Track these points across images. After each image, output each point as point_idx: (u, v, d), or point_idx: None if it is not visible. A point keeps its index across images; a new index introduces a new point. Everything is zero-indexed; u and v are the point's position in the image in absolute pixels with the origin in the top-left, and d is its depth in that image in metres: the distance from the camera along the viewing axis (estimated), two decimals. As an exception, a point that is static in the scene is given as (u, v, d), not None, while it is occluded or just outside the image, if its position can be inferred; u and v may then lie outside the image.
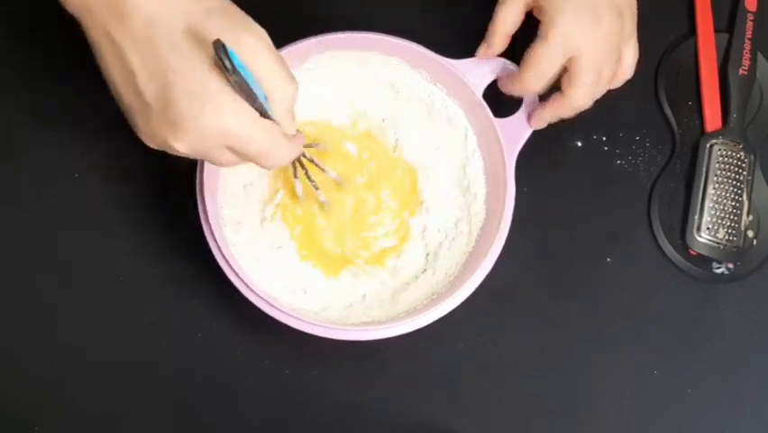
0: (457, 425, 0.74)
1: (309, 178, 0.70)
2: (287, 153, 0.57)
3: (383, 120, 0.76)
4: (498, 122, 0.71)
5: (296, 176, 0.70)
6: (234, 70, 0.51)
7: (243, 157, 0.56)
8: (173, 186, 0.74)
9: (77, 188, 0.76)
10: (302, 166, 0.69)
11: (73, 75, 0.77)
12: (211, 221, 0.67)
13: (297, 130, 0.60)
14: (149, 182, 0.76)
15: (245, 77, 0.52)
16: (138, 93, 0.53)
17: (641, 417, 0.75)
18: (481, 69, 0.72)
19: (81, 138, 0.77)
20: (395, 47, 0.72)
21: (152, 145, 0.56)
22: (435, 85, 0.74)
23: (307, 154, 0.69)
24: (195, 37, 0.52)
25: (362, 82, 0.75)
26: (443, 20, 0.82)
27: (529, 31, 0.70)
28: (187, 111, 0.52)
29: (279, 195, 0.73)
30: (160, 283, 0.75)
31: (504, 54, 0.72)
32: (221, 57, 0.50)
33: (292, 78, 0.56)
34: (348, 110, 0.76)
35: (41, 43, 0.78)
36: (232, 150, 0.55)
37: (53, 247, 0.75)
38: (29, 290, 0.74)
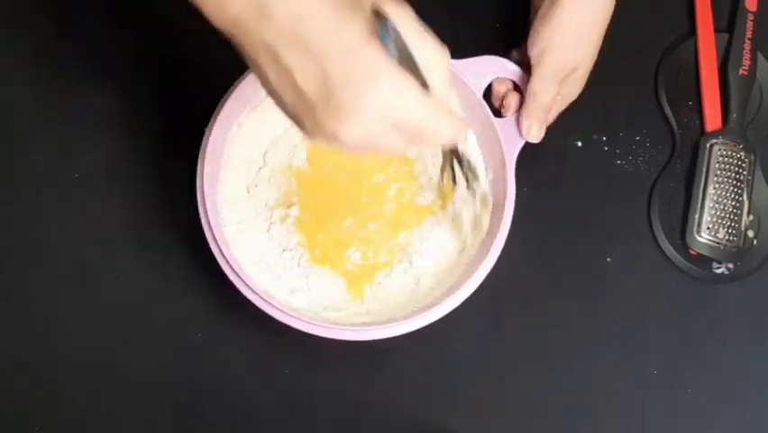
0: (457, 425, 0.74)
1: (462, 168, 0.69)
2: (453, 128, 0.54)
3: None
4: (498, 122, 0.71)
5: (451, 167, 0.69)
6: (398, 36, 0.49)
7: (411, 134, 0.53)
8: (173, 185, 0.74)
9: (77, 188, 0.76)
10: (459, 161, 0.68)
11: (73, 75, 0.78)
12: (211, 221, 0.67)
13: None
14: (149, 182, 0.76)
15: (404, 48, 0.50)
16: (299, 92, 0.51)
17: (641, 416, 0.75)
18: (481, 69, 0.72)
19: (81, 138, 0.77)
20: None
21: (323, 143, 0.54)
22: None
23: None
24: (343, 16, 0.50)
25: None
26: (443, 20, 0.81)
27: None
28: (348, 93, 0.50)
29: (294, 209, 0.73)
30: (160, 283, 0.75)
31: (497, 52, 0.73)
32: (381, 23, 0.48)
33: (443, 46, 0.54)
34: None
35: (41, 43, 0.78)
36: (398, 128, 0.52)
37: (53, 247, 0.75)
38: (29, 290, 0.74)
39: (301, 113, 0.53)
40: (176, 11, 0.71)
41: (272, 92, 0.53)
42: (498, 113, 0.73)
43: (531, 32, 0.70)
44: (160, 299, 0.75)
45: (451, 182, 0.70)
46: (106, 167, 0.76)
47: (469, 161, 0.69)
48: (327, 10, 0.50)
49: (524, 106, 0.71)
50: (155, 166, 0.76)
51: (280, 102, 0.53)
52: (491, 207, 0.72)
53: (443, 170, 0.70)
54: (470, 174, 0.70)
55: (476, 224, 0.72)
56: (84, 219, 0.75)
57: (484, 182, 0.72)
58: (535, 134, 0.71)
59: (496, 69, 0.72)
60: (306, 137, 0.54)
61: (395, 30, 0.50)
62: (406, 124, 0.52)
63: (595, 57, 0.70)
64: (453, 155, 0.68)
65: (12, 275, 0.75)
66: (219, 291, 0.71)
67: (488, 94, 0.73)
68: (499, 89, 0.73)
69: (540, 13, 0.69)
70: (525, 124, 0.71)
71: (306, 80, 0.51)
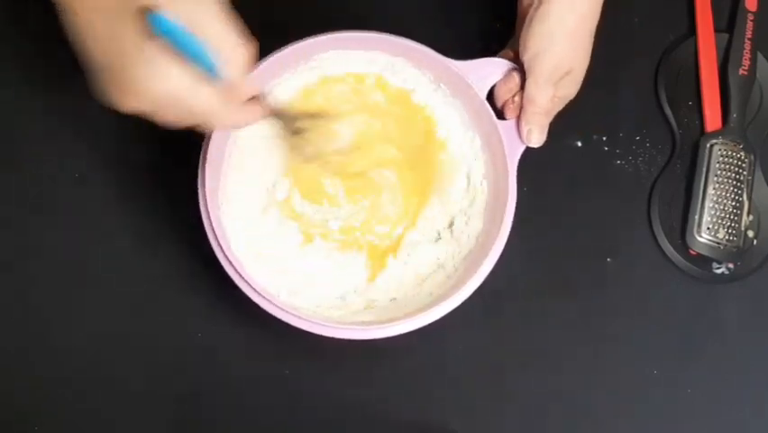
0: (457, 425, 0.74)
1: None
2: (235, 115, 0.59)
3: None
4: (501, 124, 0.71)
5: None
6: (162, 35, 0.53)
7: (197, 119, 0.58)
8: (173, 185, 0.74)
9: (78, 188, 0.76)
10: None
11: (74, 74, 0.77)
12: (212, 219, 0.66)
13: (260, 98, 0.62)
14: (149, 182, 0.76)
15: (184, 41, 0.54)
16: (88, 53, 0.56)
17: (641, 417, 0.75)
18: (485, 71, 0.72)
19: (81, 138, 0.77)
20: (399, 47, 0.72)
21: (103, 102, 0.57)
22: (439, 86, 0.74)
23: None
24: (136, 6, 0.54)
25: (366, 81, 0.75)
26: (448, 21, 0.81)
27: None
28: (129, 73, 0.54)
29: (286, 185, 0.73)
30: (159, 283, 0.75)
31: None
32: (148, 23, 0.53)
33: (244, 40, 0.57)
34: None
35: (41, 44, 0.78)
36: (184, 111, 0.57)
37: (53, 247, 0.75)
38: (29, 290, 0.74)
39: (90, 68, 0.57)
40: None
41: (74, 35, 0.57)
42: (501, 115, 0.72)
43: (521, 37, 0.69)
44: (160, 298, 0.75)
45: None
46: (106, 167, 0.76)
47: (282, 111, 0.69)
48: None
49: (522, 111, 0.71)
50: (156, 165, 0.76)
51: (75, 46, 0.57)
52: None
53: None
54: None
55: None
56: (83, 219, 0.75)
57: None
58: (536, 139, 0.71)
59: (499, 71, 0.72)
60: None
61: (159, 27, 0.53)
62: (185, 109, 0.57)
63: (588, 57, 0.70)
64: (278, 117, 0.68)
65: (11, 275, 0.74)
66: (219, 291, 0.71)
67: (491, 95, 0.73)
68: (502, 91, 0.73)
69: (528, 16, 0.69)
70: (524, 129, 0.71)
71: (95, 47, 0.56)
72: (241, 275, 0.66)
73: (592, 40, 0.70)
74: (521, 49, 0.70)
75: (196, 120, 0.58)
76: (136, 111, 0.56)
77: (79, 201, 0.76)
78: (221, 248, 0.66)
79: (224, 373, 0.74)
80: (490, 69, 0.72)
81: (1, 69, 0.78)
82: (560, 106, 0.72)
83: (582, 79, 0.71)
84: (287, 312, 0.66)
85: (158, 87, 0.55)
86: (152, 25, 0.53)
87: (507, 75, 0.72)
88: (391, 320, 0.67)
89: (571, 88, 0.71)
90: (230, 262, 0.66)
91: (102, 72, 0.56)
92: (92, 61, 0.56)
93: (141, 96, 0.55)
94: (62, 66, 0.77)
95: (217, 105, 0.57)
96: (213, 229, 0.66)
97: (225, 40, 0.56)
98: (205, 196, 0.67)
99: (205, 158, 0.68)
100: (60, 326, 0.74)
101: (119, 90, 0.56)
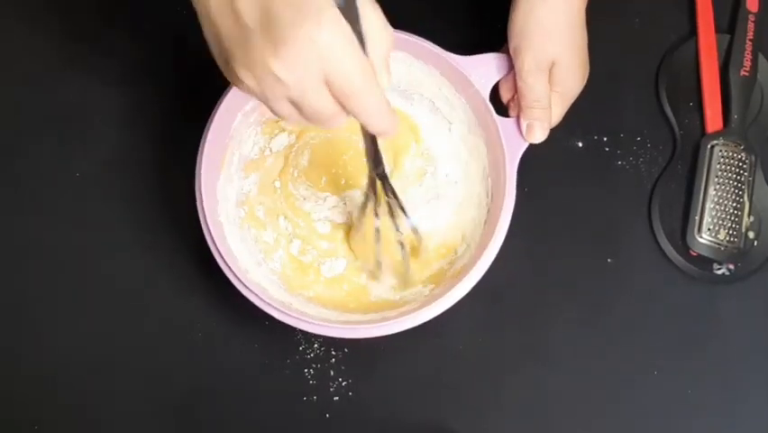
0: (456, 425, 0.74)
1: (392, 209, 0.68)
2: (378, 102, 0.54)
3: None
4: (502, 122, 0.70)
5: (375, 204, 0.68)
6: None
7: (341, 93, 0.52)
8: (174, 185, 0.74)
9: (78, 187, 0.76)
10: (385, 192, 0.68)
11: (74, 74, 0.78)
12: (209, 221, 0.66)
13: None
14: (149, 182, 0.76)
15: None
16: (237, 18, 0.51)
17: (641, 417, 0.75)
18: (488, 68, 0.71)
19: (81, 138, 0.77)
20: (402, 42, 0.71)
21: (247, 77, 0.53)
22: (444, 82, 0.73)
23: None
24: None
25: None
26: (452, 16, 0.81)
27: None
28: (289, 24, 0.50)
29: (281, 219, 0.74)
30: (160, 283, 0.75)
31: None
32: None
33: (388, 24, 0.54)
34: None
35: (40, 44, 0.78)
36: (329, 83, 0.52)
37: (53, 247, 0.75)
38: (29, 290, 0.75)
39: (235, 44, 0.52)
40: (177, 13, 0.72)
41: (205, 16, 0.53)
42: (506, 112, 0.72)
43: (507, 31, 0.69)
44: (161, 298, 0.75)
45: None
46: (106, 167, 0.76)
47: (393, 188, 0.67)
48: None
49: (519, 107, 0.70)
50: (155, 166, 0.76)
51: (212, 26, 0.53)
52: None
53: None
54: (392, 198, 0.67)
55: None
56: (83, 219, 0.76)
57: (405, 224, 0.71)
58: (537, 135, 0.70)
59: (503, 67, 0.71)
60: (230, 78, 0.53)
61: None
62: (339, 78, 0.51)
63: (576, 49, 0.69)
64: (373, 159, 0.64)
65: (12, 275, 0.75)
66: (219, 291, 0.72)
67: (494, 92, 0.72)
68: (506, 88, 0.72)
69: (510, 11, 0.69)
70: (523, 124, 0.70)
71: (247, 7, 0.51)
72: (238, 277, 0.66)
73: (577, 32, 0.69)
74: (508, 43, 0.69)
75: (340, 98, 0.53)
76: (285, 76, 0.51)
77: (79, 201, 0.76)
78: (218, 250, 0.66)
79: (223, 372, 0.74)
80: (494, 65, 0.71)
81: (1, 68, 0.79)
82: (564, 102, 0.71)
83: (579, 74, 0.70)
84: (285, 313, 0.66)
85: (319, 36, 0.49)
86: None
87: (511, 71, 0.71)
88: (390, 319, 0.67)
89: (567, 83, 0.70)
90: (227, 264, 0.66)
91: (251, 34, 0.51)
92: (237, 26, 0.51)
93: (298, 50, 0.50)
94: (63, 64, 0.77)
95: (368, 81, 0.52)
96: (210, 231, 0.66)
97: (374, 18, 0.53)
98: (202, 198, 0.66)
99: (202, 159, 0.67)
100: (60, 325, 0.74)
101: (271, 47, 0.50)
